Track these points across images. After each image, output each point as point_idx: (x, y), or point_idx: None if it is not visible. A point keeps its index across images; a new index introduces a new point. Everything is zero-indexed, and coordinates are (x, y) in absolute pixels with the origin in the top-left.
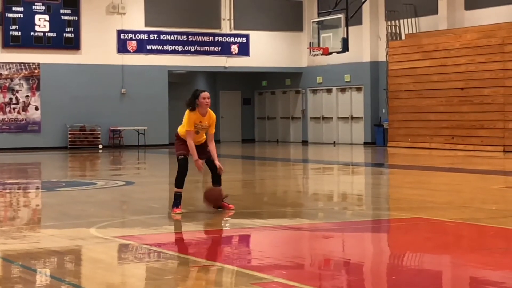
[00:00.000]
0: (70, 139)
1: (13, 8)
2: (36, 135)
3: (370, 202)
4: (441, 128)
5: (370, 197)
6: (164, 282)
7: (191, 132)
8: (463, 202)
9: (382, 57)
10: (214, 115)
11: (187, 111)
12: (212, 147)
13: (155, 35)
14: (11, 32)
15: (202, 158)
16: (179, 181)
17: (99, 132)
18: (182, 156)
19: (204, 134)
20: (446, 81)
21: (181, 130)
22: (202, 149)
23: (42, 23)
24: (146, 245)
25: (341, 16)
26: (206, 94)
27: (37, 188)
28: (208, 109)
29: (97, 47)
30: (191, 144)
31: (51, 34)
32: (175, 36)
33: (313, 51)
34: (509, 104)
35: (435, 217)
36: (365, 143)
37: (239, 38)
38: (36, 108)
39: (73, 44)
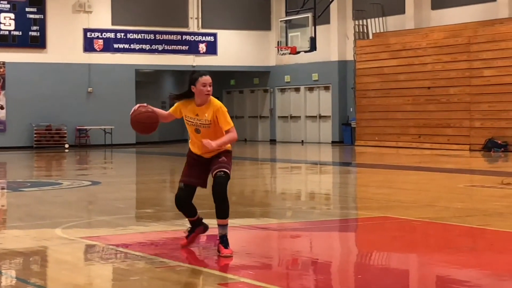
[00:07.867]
0: (36, 139)
1: None
2: (1, 134)
3: (338, 201)
4: (408, 127)
5: (338, 196)
6: (130, 283)
7: (172, 114)
8: (430, 201)
9: (349, 56)
10: (218, 104)
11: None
12: (223, 136)
13: (122, 34)
14: None
15: (195, 182)
16: (183, 213)
17: (65, 131)
18: (182, 184)
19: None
20: (413, 80)
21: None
22: (206, 166)
23: (7, 22)
24: (112, 246)
25: (309, 15)
26: (207, 79)
27: (2, 188)
28: (211, 97)
29: (63, 45)
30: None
31: (16, 33)
32: (142, 34)
33: (281, 50)
34: (475, 103)
35: (402, 216)
36: (333, 142)
37: (207, 37)
38: (1, 107)
39: (39, 43)
